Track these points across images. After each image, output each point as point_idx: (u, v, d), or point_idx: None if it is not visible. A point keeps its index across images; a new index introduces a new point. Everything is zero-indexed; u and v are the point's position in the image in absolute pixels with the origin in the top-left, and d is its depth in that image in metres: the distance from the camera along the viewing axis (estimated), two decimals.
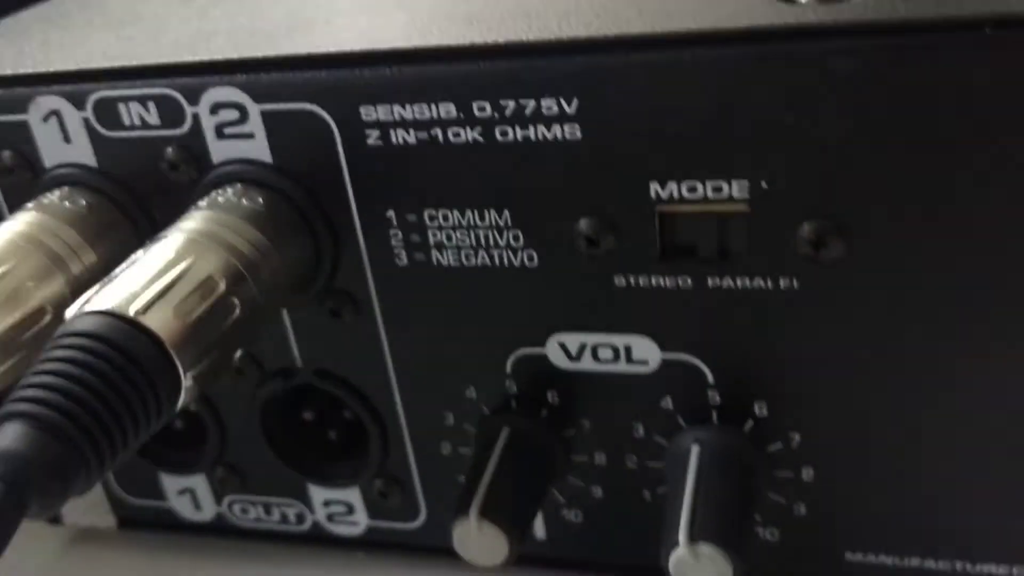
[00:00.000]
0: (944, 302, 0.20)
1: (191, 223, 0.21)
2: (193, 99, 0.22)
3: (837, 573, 0.24)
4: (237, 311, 0.20)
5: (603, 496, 0.25)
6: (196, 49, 0.23)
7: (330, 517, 0.29)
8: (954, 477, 0.22)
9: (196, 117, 0.23)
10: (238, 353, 0.21)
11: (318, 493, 0.28)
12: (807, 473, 0.23)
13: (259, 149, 0.23)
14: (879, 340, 0.21)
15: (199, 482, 0.29)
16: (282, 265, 0.22)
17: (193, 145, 0.23)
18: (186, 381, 0.19)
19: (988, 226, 0.19)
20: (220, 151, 0.23)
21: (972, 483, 0.22)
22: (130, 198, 0.24)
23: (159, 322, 0.18)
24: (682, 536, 0.20)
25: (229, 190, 0.23)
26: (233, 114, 0.22)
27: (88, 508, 0.31)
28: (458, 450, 0.26)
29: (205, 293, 0.20)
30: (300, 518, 0.29)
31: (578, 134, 0.20)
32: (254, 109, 0.22)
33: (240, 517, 0.30)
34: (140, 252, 0.20)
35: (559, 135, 0.20)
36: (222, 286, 0.20)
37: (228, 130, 0.23)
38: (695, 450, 0.22)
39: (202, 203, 0.22)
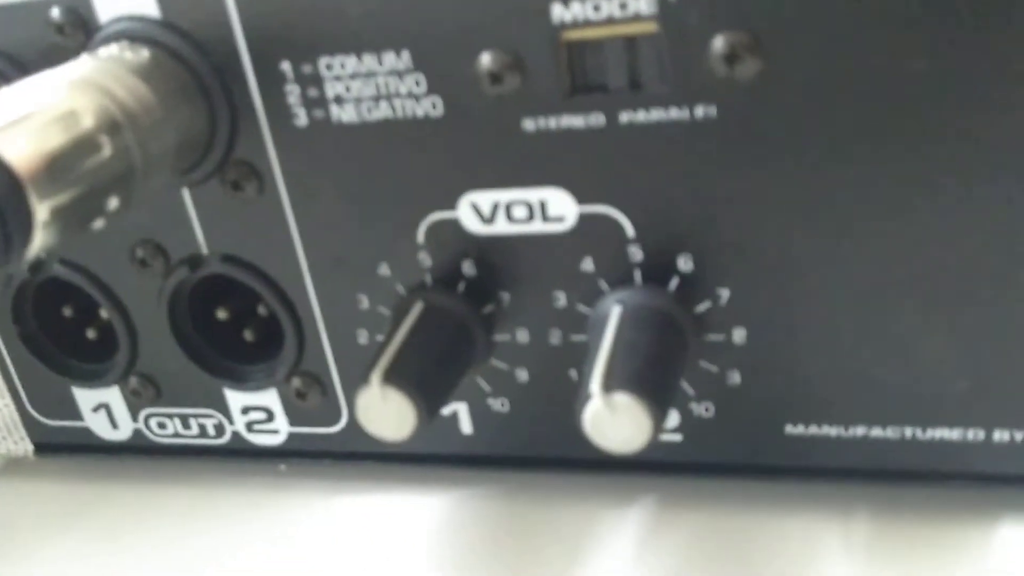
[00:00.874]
0: (876, 127, 0.18)
1: (66, 67, 0.20)
2: None
3: (778, 448, 0.22)
4: (106, 152, 0.18)
5: (529, 380, 0.23)
6: None
7: (250, 426, 0.27)
8: (898, 335, 0.20)
9: None
10: (114, 204, 0.19)
11: (236, 400, 0.27)
12: (739, 335, 0.21)
13: (146, 3, 0.21)
14: (806, 174, 0.19)
15: (113, 396, 0.28)
16: (168, 122, 0.20)
17: (78, 4, 0.22)
18: (40, 213, 0.17)
19: (927, 31, 0.17)
20: (106, 8, 0.22)
21: (918, 341, 0.20)
22: (21, 73, 0.23)
23: (8, 145, 0.17)
24: (595, 386, 0.19)
25: (114, 46, 0.21)
26: None
27: (3, 434, 0.30)
28: (375, 338, 0.24)
29: (68, 126, 0.18)
30: (219, 430, 0.27)
31: None
32: None
33: (158, 433, 0.28)
34: (4, 87, 0.19)
35: None
36: (88, 122, 0.18)
37: None
38: (616, 311, 0.21)
39: (84, 56, 0.21)
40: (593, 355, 0.20)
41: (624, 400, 0.18)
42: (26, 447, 0.30)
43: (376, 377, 0.20)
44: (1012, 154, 0.18)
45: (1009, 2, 0.17)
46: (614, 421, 0.19)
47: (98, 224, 0.19)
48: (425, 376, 0.21)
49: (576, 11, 0.19)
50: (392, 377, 0.20)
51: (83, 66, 0.20)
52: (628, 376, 0.19)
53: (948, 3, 0.17)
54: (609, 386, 0.19)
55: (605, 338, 0.20)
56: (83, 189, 0.18)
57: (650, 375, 0.19)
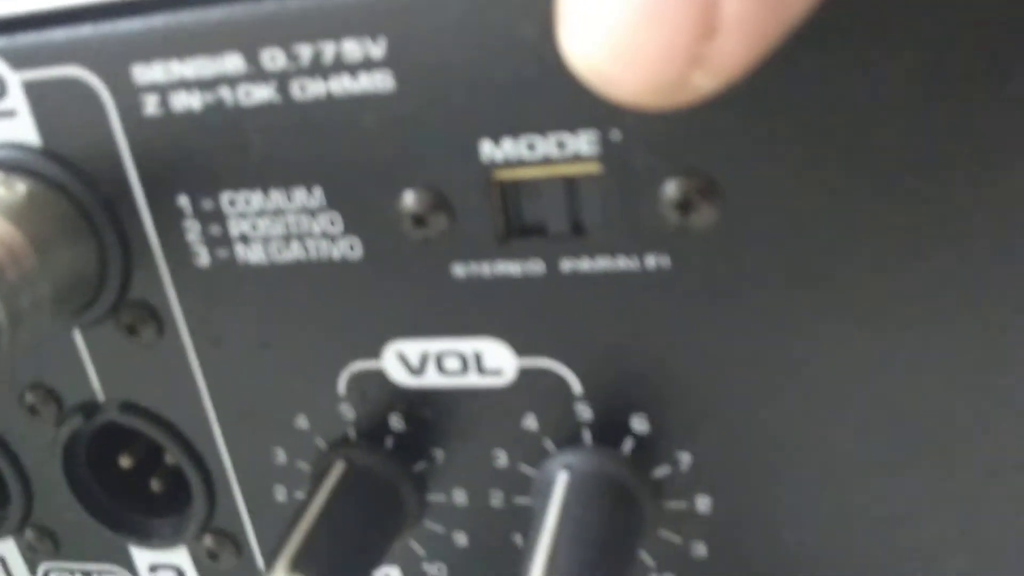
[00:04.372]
0: (851, 276, 0.16)
1: None
2: None
3: None
4: None
5: (468, 544, 0.21)
6: None
7: None
8: (887, 503, 0.18)
9: None
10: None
11: (142, 557, 0.24)
12: (703, 503, 0.19)
13: (24, 129, 0.19)
14: (773, 328, 0.17)
15: (8, 548, 0.25)
16: (45, 269, 0.18)
17: None
18: None
19: (911, 171, 0.15)
20: None
21: (911, 511, 0.18)
22: None
23: None
24: None
25: None
26: None
27: None
28: (294, 495, 0.21)
29: None
30: None
31: (391, 84, 0.16)
32: (13, 79, 0.18)
33: None
34: None
35: (368, 86, 0.16)
36: None
37: None
38: (562, 478, 0.18)
39: None
40: (533, 540, 0.17)
41: None
42: None
43: (282, 566, 0.17)
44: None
45: (1009, 158, 0.15)
46: None
47: None
48: (342, 557, 0.18)
49: (508, 150, 0.16)
50: (302, 564, 0.17)
51: None
52: (573, 571, 0.16)
53: (939, 140, 0.15)
54: None
55: (547, 518, 0.17)
56: None
57: (599, 567, 0.16)
